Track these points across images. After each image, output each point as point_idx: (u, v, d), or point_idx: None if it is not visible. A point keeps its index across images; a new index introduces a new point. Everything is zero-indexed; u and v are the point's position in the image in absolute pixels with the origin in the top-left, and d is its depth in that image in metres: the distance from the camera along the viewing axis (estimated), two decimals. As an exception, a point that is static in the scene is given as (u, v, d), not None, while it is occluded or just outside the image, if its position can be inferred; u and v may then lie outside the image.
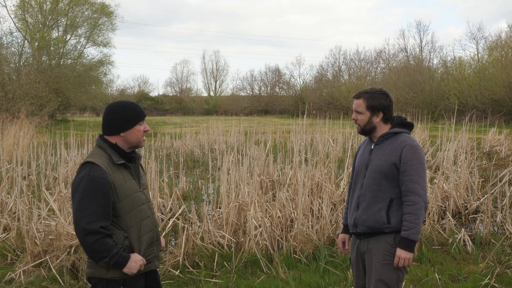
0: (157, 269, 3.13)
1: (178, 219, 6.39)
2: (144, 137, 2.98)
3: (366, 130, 3.29)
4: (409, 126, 3.28)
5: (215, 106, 59.02)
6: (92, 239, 2.67)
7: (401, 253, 3.09)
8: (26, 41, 34.42)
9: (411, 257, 3.11)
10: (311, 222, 6.26)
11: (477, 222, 6.79)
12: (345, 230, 3.52)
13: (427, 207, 3.16)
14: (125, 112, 2.87)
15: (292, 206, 6.50)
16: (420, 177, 3.10)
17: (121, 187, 2.80)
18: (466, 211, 7.64)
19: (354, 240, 3.39)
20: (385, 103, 3.23)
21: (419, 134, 15.77)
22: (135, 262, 2.79)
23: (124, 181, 2.83)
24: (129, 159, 2.92)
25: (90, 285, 2.91)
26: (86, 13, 37.37)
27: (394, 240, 3.14)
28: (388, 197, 3.16)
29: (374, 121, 3.24)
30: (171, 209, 7.49)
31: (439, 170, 8.74)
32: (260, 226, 5.84)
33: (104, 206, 2.72)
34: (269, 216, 6.12)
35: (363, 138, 3.50)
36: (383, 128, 3.26)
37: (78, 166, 9.78)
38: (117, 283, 2.81)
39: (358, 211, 3.27)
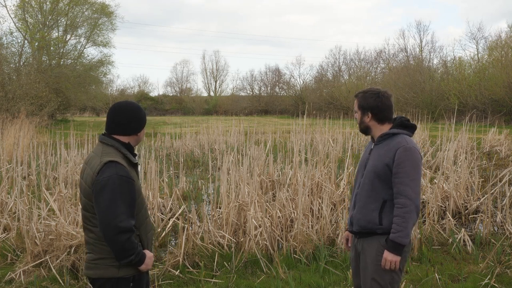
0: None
1: (178, 219, 6.39)
2: None
3: (362, 129, 3.35)
4: (411, 128, 3.25)
5: (215, 106, 59.05)
6: (124, 237, 2.68)
7: (387, 255, 3.09)
8: (26, 41, 34.42)
9: (398, 260, 3.09)
10: (311, 222, 6.26)
11: (477, 222, 6.79)
12: None
13: (419, 211, 3.13)
14: (141, 112, 2.98)
15: (292, 206, 6.50)
16: (412, 180, 3.07)
17: (137, 186, 2.86)
18: (466, 211, 7.64)
19: (354, 238, 3.40)
20: (373, 104, 3.23)
21: (419, 134, 15.77)
22: (150, 258, 2.86)
23: (136, 180, 2.89)
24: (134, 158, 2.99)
25: (91, 286, 2.89)
26: (86, 13, 37.40)
27: (386, 242, 3.14)
28: (381, 198, 3.15)
29: (365, 120, 3.28)
30: (171, 209, 7.48)
31: (439, 170, 8.73)
32: (260, 226, 5.84)
33: (132, 205, 2.76)
34: (269, 216, 6.11)
35: (363, 137, 3.53)
36: (380, 128, 3.27)
37: (78, 166, 9.68)
38: (127, 280, 2.81)
39: (354, 209, 3.29)
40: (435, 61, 43.62)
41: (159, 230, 6.44)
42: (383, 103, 3.23)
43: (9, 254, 5.66)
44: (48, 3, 35.35)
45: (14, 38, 39.50)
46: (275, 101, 56.63)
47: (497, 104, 29.38)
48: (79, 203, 6.24)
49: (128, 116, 2.89)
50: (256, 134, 15.86)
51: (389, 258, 3.08)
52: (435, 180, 8.25)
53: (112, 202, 2.68)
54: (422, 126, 17.08)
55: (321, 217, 6.29)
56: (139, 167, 3.08)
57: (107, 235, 2.70)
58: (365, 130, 3.32)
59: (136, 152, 3.05)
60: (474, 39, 44.34)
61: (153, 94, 67.24)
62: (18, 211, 6.36)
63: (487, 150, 14.79)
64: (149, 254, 2.87)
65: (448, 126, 13.00)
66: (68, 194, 6.85)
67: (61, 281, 4.97)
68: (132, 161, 2.88)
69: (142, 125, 2.97)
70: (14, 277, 5.08)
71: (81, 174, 2.91)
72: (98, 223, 2.73)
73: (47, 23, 35.46)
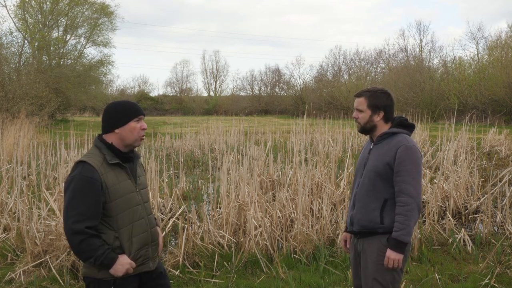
0: (163, 265, 3.22)
1: (178, 219, 6.39)
2: (143, 136, 2.95)
3: (367, 129, 3.30)
4: (410, 127, 3.27)
5: (215, 106, 59.04)
6: (77, 239, 2.67)
7: (390, 254, 3.09)
8: (26, 41, 34.41)
9: (401, 259, 3.09)
10: (311, 222, 6.26)
11: (477, 222, 6.79)
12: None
13: (420, 209, 3.14)
14: (120, 108, 2.90)
15: (292, 206, 6.50)
16: (413, 178, 3.08)
17: (113, 187, 2.79)
18: (466, 211, 7.64)
19: (353, 239, 3.40)
20: (386, 102, 3.23)
21: (419, 134, 15.76)
22: (122, 265, 2.75)
23: (117, 181, 2.82)
24: (125, 159, 2.90)
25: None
26: (86, 13, 37.40)
27: (387, 241, 3.13)
28: (382, 197, 3.15)
29: (374, 120, 3.25)
30: (171, 209, 7.48)
31: (439, 170, 8.73)
32: (260, 226, 5.84)
33: (93, 206, 2.71)
34: (269, 216, 6.11)
35: (363, 137, 3.52)
36: (383, 128, 3.26)
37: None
38: (108, 283, 2.80)
39: (354, 209, 3.28)
40: (435, 61, 43.70)
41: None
42: (393, 102, 3.26)
43: (9, 254, 5.66)
44: (48, 3, 35.35)
45: (14, 38, 39.42)
46: (275, 101, 56.62)
47: (497, 104, 29.38)
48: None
49: (108, 112, 2.92)
50: (256, 134, 15.85)
51: (392, 256, 3.08)
52: (435, 180, 8.25)
53: (69, 203, 2.70)
54: (422, 126, 17.07)
55: (321, 217, 6.29)
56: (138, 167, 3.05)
57: (65, 234, 2.75)
58: (370, 129, 3.28)
59: (135, 152, 3.00)
60: (474, 39, 44.39)
61: (153, 94, 67.33)
62: (18, 211, 6.36)
63: (487, 150, 14.79)
64: (123, 260, 2.76)
65: (448, 126, 13.00)
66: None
67: (61, 281, 4.97)
68: (108, 161, 2.81)
69: (119, 122, 2.86)
70: (14, 277, 5.08)
71: None
72: None
73: (47, 23, 35.45)
